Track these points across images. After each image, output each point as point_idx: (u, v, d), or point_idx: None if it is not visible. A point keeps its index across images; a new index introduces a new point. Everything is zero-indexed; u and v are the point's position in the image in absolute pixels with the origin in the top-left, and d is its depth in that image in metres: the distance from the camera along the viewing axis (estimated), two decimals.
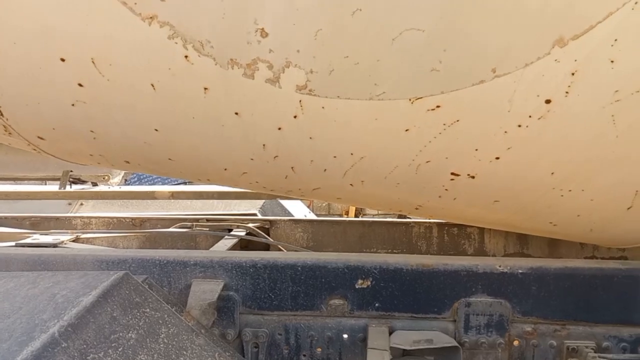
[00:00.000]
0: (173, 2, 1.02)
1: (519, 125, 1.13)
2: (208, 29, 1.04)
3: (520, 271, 1.53)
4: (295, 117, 1.18)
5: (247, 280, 1.60)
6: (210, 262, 1.62)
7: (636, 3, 0.90)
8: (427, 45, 1.01)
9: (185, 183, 4.00)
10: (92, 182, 3.33)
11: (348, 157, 1.31)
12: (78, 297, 1.19)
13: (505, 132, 1.15)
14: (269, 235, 2.41)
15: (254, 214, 2.85)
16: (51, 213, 2.71)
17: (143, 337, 1.23)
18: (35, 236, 2.09)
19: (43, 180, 3.51)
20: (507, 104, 1.08)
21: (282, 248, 2.23)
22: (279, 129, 1.24)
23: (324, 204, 8.39)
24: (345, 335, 1.57)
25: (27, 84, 1.25)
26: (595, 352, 1.48)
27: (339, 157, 1.31)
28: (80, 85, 1.21)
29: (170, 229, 2.33)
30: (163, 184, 4.24)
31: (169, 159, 1.50)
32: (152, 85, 1.17)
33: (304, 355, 1.58)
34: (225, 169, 1.52)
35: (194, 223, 2.38)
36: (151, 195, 2.68)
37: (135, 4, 1.02)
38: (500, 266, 1.53)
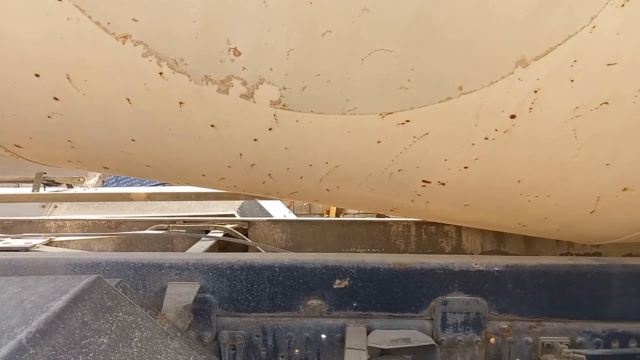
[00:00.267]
0: (146, 22, 1.03)
1: (486, 138, 1.18)
2: (181, 47, 1.06)
3: (496, 269, 1.53)
4: (270, 129, 1.21)
5: (223, 282, 1.58)
6: (185, 265, 1.59)
7: (594, 27, 0.96)
8: (395, 65, 1.05)
9: (163, 184, 3.94)
10: (67, 184, 3.26)
11: (323, 165, 1.34)
12: (47, 303, 1.16)
13: (473, 144, 1.21)
14: (247, 236, 2.39)
15: (232, 215, 2.82)
16: (24, 216, 2.64)
17: (115, 342, 1.20)
18: (6, 240, 2.04)
19: (16, 182, 3.43)
20: (474, 119, 1.13)
21: (260, 249, 2.21)
22: (255, 140, 1.26)
23: (304, 204, 8.38)
24: (323, 336, 1.56)
25: (2, 98, 1.26)
26: (569, 347, 1.50)
27: (314, 165, 1.35)
28: (55, 99, 1.22)
29: (146, 231, 2.30)
30: (141, 184, 4.17)
31: (147, 166, 1.51)
32: (128, 99, 1.19)
33: (282, 357, 1.57)
34: (203, 175, 1.54)
35: (171, 225, 2.34)
36: (127, 197, 2.64)
37: (109, 24, 1.04)
38: (476, 264, 1.54)
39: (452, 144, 1.23)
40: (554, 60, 1.02)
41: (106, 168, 1.60)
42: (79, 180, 3.00)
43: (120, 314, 1.29)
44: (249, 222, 2.44)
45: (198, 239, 2.16)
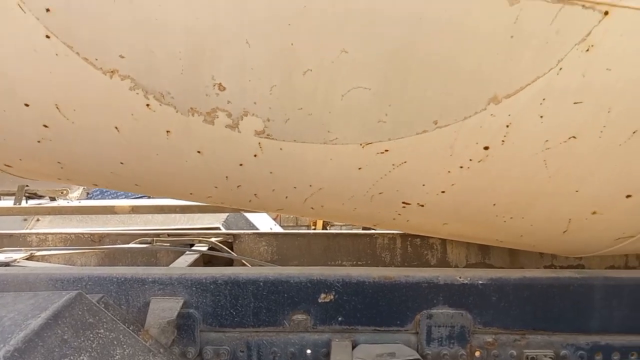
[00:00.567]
0: (132, 59, 1.07)
1: (461, 167, 1.25)
2: (167, 82, 1.10)
3: (480, 282, 1.54)
4: (255, 155, 1.26)
5: (207, 297, 1.56)
6: (169, 279, 1.57)
7: (560, 69, 1.02)
8: (373, 101, 1.11)
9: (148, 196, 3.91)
10: (49, 197, 3.22)
11: (307, 188, 1.40)
12: (26, 320, 1.14)
13: (449, 172, 1.27)
14: (232, 250, 2.37)
15: (218, 228, 2.80)
16: (5, 230, 2.60)
17: None
18: None
19: None
20: (449, 149, 1.20)
21: (245, 263, 2.20)
22: (241, 165, 1.31)
23: (291, 216, 8.36)
24: (308, 351, 1.55)
25: None
26: None
27: (298, 188, 1.40)
28: (45, 126, 1.27)
29: (130, 245, 2.27)
30: (126, 197, 4.13)
31: (136, 185, 1.57)
32: (116, 127, 1.23)
33: None
34: (191, 193, 1.60)
35: (155, 238, 2.32)
36: (111, 211, 2.61)
37: (96, 59, 1.08)
38: (460, 277, 1.54)
39: (429, 172, 1.30)
40: (524, 98, 1.09)
41: (96, 185, 1.64)
42: (62, 193, 2.96)
43: (102, 330, 1.26)
44: (234, 235, 2.42)
45: (182, 253, 2.14)
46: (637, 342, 1.52)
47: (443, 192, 1.35)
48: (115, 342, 1.27)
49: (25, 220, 3.15)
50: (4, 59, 1.13)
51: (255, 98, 1.12)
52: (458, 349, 1.51)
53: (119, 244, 2.40)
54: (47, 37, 1.06)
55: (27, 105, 1.22)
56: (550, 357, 1.50)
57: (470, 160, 1.22)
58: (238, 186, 1.42)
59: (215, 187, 1.45)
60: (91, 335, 1.23)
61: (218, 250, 2.23)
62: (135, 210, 2.56)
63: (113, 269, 1.63)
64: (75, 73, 1.11)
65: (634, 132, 1.12)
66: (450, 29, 1.01)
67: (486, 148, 1.19)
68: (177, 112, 1.16)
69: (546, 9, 0.96)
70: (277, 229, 3.61)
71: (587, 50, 1.00)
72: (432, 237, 2.27)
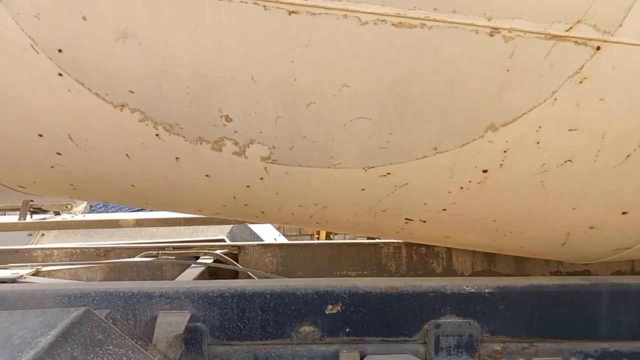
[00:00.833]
0: (142, 94, 1.14)
1: (461, 188, 1.31)
2: (176, 115, 1.18)
3: (487, 290, 1.54)
4: (261, 178, 1.33)
5: (214, 311, 1.57)
6: (176, 293, 1.58)
7: (555, 99, 1.08)
8: (374, 130, 1.18)
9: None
10: (54, 211, 3.23)
11: (312, 206, 1.47)
12: (36, 338, 1.14)
13: (449, 192, 1.33)
14: (237, 261, 2.38)
15: (222, 240, 2.81)
16: (10, 245, 2.60)
17: None
18: None
19: (1, 210, 3.39)
20: (449, 172, 1.26)
21: (251, 274, 2.20)
22: (248, 186, 1.38)
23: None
24: None
25: (8, 152, 1.39)
26: None
27: (303, 206, 1.47)
28: (58, 153, 1.35)
29: (135, 259, 2.28)
30: (130, 210, 4.14)
31: (146, 203, 1.67)
32: (127, 154, 1.31)
33: None
34: (199, 210, 1.69)
35: (160, 252, 2.32)
36: (115, 224, 2.62)
37: (107, 94, 1.15)
38: (467, 286, 1.55)
39: (430, 192, 1.37)
40: (521, 126, 1.15)
41: (106, 201, 1.76)
42: (66, 207, 2.97)
43: (111, 347, 1.27)
44: (239, 247, 2.44)
45: (188, 266, 2.14)
46: None
47: (444, 209, 1.41)
48: (125, 358, 1.27)
49: (30, 235, 3.16)
50: (18, 94, 1.20)
51: (260, 128, 1.19)
52: (466, 358, 1.53)
53: (124, 257, 2.41)
54: (60, 75, 1.13)
55: (41, 135, 1.30)
56: None
57: (470, 182, 1.29)
58: (245, 205, 1.48)
59: (223, 206, 1.52)
60: (100, 351, 1.24)
61: (223, 263, 2.23)
62: (139, 223, 2.58)
63: (120, 284, 1.64)
64: (87, 107, 1.18)
65: (628, 156, 1.18)
66: (447, 64, 1.07)
67: (485, 171, 1.26)
68: (185, 141, 1.23)
69: (540, 45, 1.02)
70: (281, 239, 3.61)
71: (581, 82, 1.06)
72: (437, 246, 2.27)
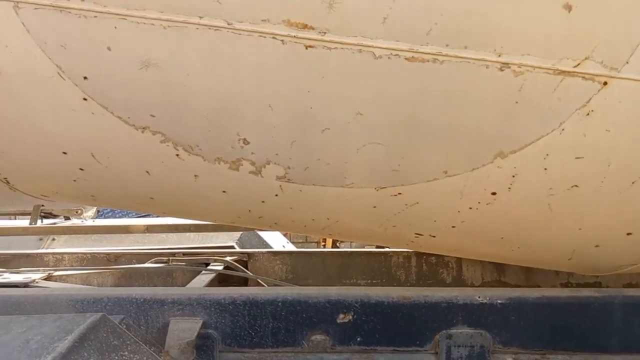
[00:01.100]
0: (162, 118, 1.21)
1: (470, 208, 1.36)
2: (195, 137, 1.25)
3: (499, 301, 1.55)
4: (276, 195, 1.39)
5: (226, 318, 1.58)
6: (188, 300, 1.59)
7: (563, 130, 1.14)
8: (386, 155, 1.24)
9: None
10: (64, 216, 3.25)
11: (324, 220, 1.53)
12: (53, 343, 1.16)
13: (459, 211, 1.39)
14: (247, 268, 2.40)
15: (232, 247, 2.82)
16: (21, 249, 2.63)
17: None
18: (5, 275, 2.04)
19: (12, 215, 3.42)
20: (459, 194, 1.31)
21: (261, 282, 2.21)
22: (263, 202, 1.44)
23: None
24: None
25: (32, 166, 1.49)
26: None
27: (316, 220, 1.53)
28: (81, 169, 1.43)
29: (146, 265, 2.31)
30: (138, 216, 4.16)
31: (164, 212, 1.79)
32: (147, 171, 1.38)
33: None
34: (215, 220, 1.82)
35: (170, 258, 2.34)
36: (126, 230, 2.65)
37: (129, 118, 1.22)
38: (479, 297, 1.55)
39: (439, 211, 1.44)
40: (529, 153, 1.20)
41: (124, 209, 1.96)
42: (76, 212, 3.00)
43: (126, 352, 1.29)
44: (248, 254, 2.45)
45: (198, 272, 2.16)
46: None
47: (453, 227, 1.47)
48: None
49: (40, 239, 3.19)
50: (44, 116, 1.28)
51: (276, 150, 1.26)
52: None
53: (135, 263, 2.43)
54: (85, 99, 1.20)
55: (65, 153, 1.37)
56: None
57: (479, 203, 1.35)
58: (260, 217, 1.56)
59: (238, 217, 1.60)
60: (116, 357, 1.26)
61: (233, 270, 2.24)
62: (149, 229, 2.60)
63: (132, 290, 1.65)
64: (109, 128, 1.26)
65: (633, 182, 1.23)
66: (458, 96, 1.12)
67: (493, 194, 1.31)
68: (204, 161, 1.30)
69: (549, 80, 1.07)
70: (290, 246, 3.63)
71: (588, 114, 1.11)
72: (447, 255, 2.27)
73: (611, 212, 1.35)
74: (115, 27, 1.07)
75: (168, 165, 1.33)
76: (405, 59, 1.05)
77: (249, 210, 1.51)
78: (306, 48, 1.05)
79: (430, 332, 1.56)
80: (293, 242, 4.35)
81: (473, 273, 2.30)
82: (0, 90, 1.25)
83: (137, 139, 1.27)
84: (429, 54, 1.04)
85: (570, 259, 1.59)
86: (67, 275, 2.21)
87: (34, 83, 1.21)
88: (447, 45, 1.04)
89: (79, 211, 3.05)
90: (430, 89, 1.11)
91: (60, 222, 3.22)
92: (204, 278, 2.08)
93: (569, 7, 0.99)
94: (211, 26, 1.05)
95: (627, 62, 1.04)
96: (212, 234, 3.04)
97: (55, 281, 2.12)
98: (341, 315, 1.57)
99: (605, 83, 1.06)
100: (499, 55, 1.04)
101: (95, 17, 1.07)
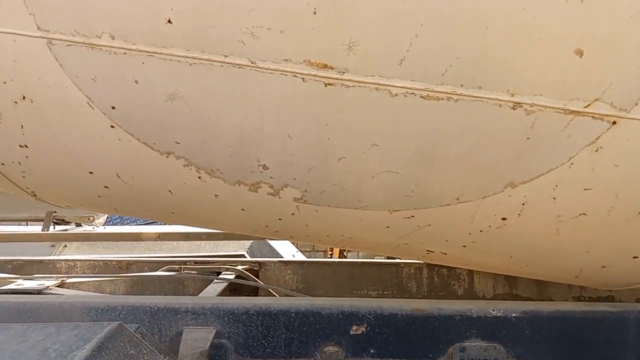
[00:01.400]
0: (187, 145, 1.29)
1: (481, 231, 1.43)
2: (217, 162, 1.33)
3: (513, 315, 1.55)
4: (293, 214, 1.47)
5: (239, 328, 1.59)
6: (202, 309, 1.61)
7: (572, 164, 1.20)
8: (400, 182, 1.30)
9: None
10: (75, 223, 3.28)
11: (339, 236, 1.61)
12: (71, 351, 1.18)
13: (470, 233, 1.46)
14: (258, 278, 2.42)
15: (242, 255, 2.84)
16: (34, 256, 2.65)
17: None
18: (19, 281, 2.06)
19: (24, 221, 3.45)
20: (470, 218, 1.38)
21: (272, 292, 2.21)
22: (280, 219, 1.52)
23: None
24: None
25: (59, 182, 1.58)
26: None
27: (331, 235, 1.61)
28: (105, 187, 1.51)
29: (158, 273, 2.33)
30: (147, 223, 4.19)
31: (182, 224, 1.97)
32: (170, 191, 1.46)
33: None
34: (232, 231, 1.99)
35: (182, 266, 2.35)
36: (137, 237, 2.68)
37: (154, 144, 1.30)
38: (493, 310, 1.56)
39: (451, 232, 1.51)
40: (539, 184, 1.27)
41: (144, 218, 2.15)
42: (88, 219, 3.03)
43: None
44: (259, 263, 2.46)
45: (210, 281, 2.17)
46: None
47: (464, 246, 1.54)
48: None
49: (53, 246, 3.21)
50: (73, 140, 1.37)
51: (294, 176, 1.34)
52: None
53: (146, 271, 2.45)
54: (112, 127, 1.28)
55: (91, 172, 1.45)
56: None
57: (489, 226, 1.42)
58: (276, 231, 1.65)
59: (255, 231, 1.71)
60: None
61: (245, 279, 2.25)
62: (161, 237, 2.64)
63: (146, 299, 1.67)
64: (135, 153, 1.34)
65: None
66: (471, 132, 1.18)
67: (504, 219, 1.38)
68: (225, 183, 1.38)
69: (559, 118, 1.13)
70: (299, 255, 3.65)
71: (597, 150, 1.17)
72: (458, 267, 2.27)
73: (618, 239, 1.42)
74: (143, 63, 1.14)
75: (190, 186, 1.41)
76: (421, 97, 1.12)
77: (266, 226, 1.59)
78: (325, 85, 1.12)
79: (443, 345, 1.56)
80: (301, 250, 4.36)
81: (485, 285, 2.30)
82: (32, 116, 1.34)
83: (161, 163, 1.34)
84: (444, 93, 1.11)
85: (577, 276, 1.67)
86: (79, 283, 2.23)
87: (64, 111, 1.29)
88: (461, 85, 1.10)
89: (91, 218, 3.08)
90: (444, 125, 1.18)
91: (72, 228, 3.25)
92: (216, 287, 2.10)
93: (580, 53, 1.05)
94: (235, 64, 1.12)
95: (637, 104, 1.10)
96: (222, 242, 3.06)
97: (68, 288, 2.14)
98: (354, 327, 1.57)
99: (614, 122, 1.12)
100: (512, 95, 1.10)
101: (124, 53, 1.14)
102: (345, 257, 7.19)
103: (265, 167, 1.31)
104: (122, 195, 1.57)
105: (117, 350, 1.25)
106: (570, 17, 1.03)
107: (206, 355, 1.53)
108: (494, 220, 1.39)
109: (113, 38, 1.12)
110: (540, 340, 1.56)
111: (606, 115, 1.11)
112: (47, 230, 2.87)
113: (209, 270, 2.42)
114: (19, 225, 3.81)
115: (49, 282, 2.09)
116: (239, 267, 2.40)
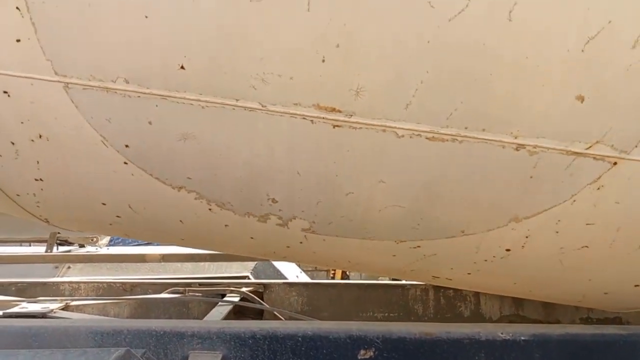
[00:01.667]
0: (198, 180, 1.34)
1: (485, 260, 1.48)
2: (228, 196, 1.37)
3: (522, 338, 1.54)
4: (301, 242, 1.51)
5: (245, 352, 1.58)
6: (207, 333, 1.60)
7: (574, 201, 1.24)
8: (406, 216, 1.35)
9: None
10: (79, 244, 3.27)
11: (346, 262, 1.67)
12: None
13: (474, 262, 1.51)
14: (263, 299, 2.40)
15: (247, 277, 2.83)
16: (37, 277, 2.64)
17: None
18: (23, 304, 2.05)
19: (28, 242, 3.45)
20: (475, 249, 1.44)
21: (278, 314, 2.20)
22: (288, 247, 1.56)
23: None
24: None
25: (73, 210, 1.62)
26: None
27: (338, 262, 1.68)
28: (117, 216, 1.56)
29: (162, 295, 2.32)
30: (151, 244, 4.18)
31: (191, 247, 2.04)
32: (181, 221, 1.50)
33: None
34: (240, 255, 2.08)
35: (186, 288, 2.34)
36: (141, 259, 2.67)
37: (166, 179, 1.35)
38: (502, 333, 1.55)
39: (456, 261, 1.56)
40: (542, 219, 1.32)
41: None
42: (92, 240, 3.02)
43: None
44: (264, 285, 2.45)
45: (215, 304, 2.16)
46: None
47: (469, 273, 1.59)
48: None
49: (56, 267, 3.20)
50: (88, 175, 1.42)
51: (303, 208, 1.38)
52: None
53: (150, 293, 2.44)
54: (125, 163, 1.33)
55: (104, 204, 1.51)
56: None
57: (494, 257, 1.47)
58: (284, 257, 1.71)
59: (264, 255, 1.81)
60: None
61: (250, 301, 2.23)
62: (165, 258, 2.64)
63: (151, 322, 1.67)
64: (147, 187, 1.39)
65: None
66: (475, 171, 1.22)
67: (508, 250, 1.43)
68: (235, 214, 1.43)
69: (562, 159, 1.17)
70: (303, 276, 3.63)
71: (598, 189, 1.21)
72: (464, 289, 2.27)
73: (620, 269, 1.47)
74: (157, 106, 1.20)
75: (201, 216, 1.47)
76: (426, 138, 1.17)
77: (274, 252, 1.65)
78: (333, 127, 1.17)
79: None
80: (303, 270, 4.34)
81: (491, 307, 2.31)
82: (48, 153, 1.39)
83: (172, 195, 1.40)
84: (448, 135, 1.16)
85: (580, 301, 1.74)
86: (84, 305, 2.21)
87: (79, 149, 1.35)
88: (466, 128, 1.15)
89: (94, 239, 3.08)
90: (449, 164, 1.23)
91: (75, 249, 3.25)
92: (221, 310, 2.10)
93: (581, 98, 1.09)
94: (247, 107, 1.17)
95: (637, 146, 1.15)
96: (226, 263, 3.05)
97: (73, 311, 2.13)
98: (362, 351, 1.56)
99: (615, 163, 1.17)
100: (515, 138, 1.15)
101: (138, 97, 1.19)
102: (348, 277, 7.15)
103: (274, 201, 1.36)
104: (133, 224, 1.63)
105: None
106: (572, 64, 1.08)
107: None
108: (498, 251, 1.45)
109: (127, 82, 1.17)
110: None
111: (607, 157, 1.16)
112: (51, 251, 2.86)
113: (213, 292, 2.42)
114: (21, 245, 3.81)
115: (53, 305, 2.08)
116: (244, 289, 2.40)
